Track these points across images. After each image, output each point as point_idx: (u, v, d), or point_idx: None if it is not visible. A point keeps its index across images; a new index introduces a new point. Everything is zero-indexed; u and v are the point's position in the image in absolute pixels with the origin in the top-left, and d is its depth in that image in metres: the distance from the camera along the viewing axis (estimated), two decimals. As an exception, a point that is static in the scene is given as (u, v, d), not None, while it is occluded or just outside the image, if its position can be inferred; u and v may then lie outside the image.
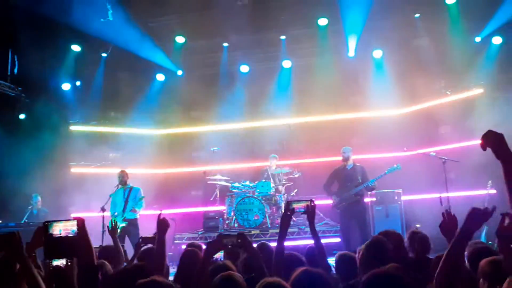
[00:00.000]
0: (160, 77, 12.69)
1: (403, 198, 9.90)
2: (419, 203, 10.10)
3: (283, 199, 10.57)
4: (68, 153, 11.26)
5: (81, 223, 2.95)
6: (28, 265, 2.83)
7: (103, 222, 8.18)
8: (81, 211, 10.37)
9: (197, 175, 11.31)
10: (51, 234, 2.87)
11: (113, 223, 5.21)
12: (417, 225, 8.26)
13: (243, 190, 10.64)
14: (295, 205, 3.76)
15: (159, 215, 3.60)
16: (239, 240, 3.39)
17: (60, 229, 2.89)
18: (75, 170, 11.53)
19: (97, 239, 7.92)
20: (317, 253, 3.79)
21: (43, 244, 3.01)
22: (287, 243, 3.74)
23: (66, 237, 2.87)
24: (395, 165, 8.74)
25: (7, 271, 2.99)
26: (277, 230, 4.06)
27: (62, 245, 2.86)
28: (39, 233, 3.10)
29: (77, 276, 2.90)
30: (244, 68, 12.54)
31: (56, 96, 11.55)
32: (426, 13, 10.90)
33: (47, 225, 2.89)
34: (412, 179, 10.04)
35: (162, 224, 3.56)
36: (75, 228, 2.90)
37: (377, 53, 11.75)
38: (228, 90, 12.28)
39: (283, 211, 4.03)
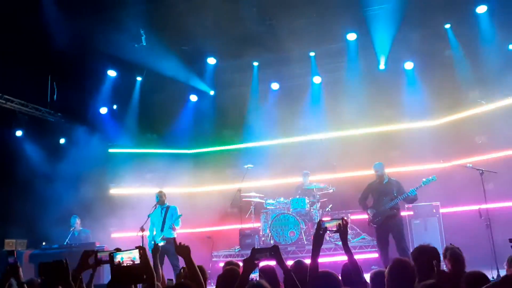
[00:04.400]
0: (193, 97, 12.97)
1: (442, 210, 9.73)
2: (458, 215, 9.91)
3: (318, 214, 10.54)
4: (107, 175, 11.60)
5: (142, 252, 3.13)
6: None
7: (142, 242, 8.32)
8: (120, 231, 10.67)
9: (232, 192, 11.41)
10: (118, 263, 3.07)
11: (154, 243, 5.34)
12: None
13: (278, 206, 10.66)
14: (327, 225, 3.74)
15: (174, 241, 3.71)
16: (272, 253, 3.44)
17: (123, 257, 3.09)
18: (114, 191, 11.86)
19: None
20: (352, 270, 3.79)
21: (89, 267, 3.19)
22: (324, 259, 3.77)
23: (130, 266, 3.06)
24: (430, 177, 8.59)
25: None
26: (313, 247, 4.07)
27: (126, 273, 3.05)
28: (86, 257, 3.27)
29: None
30: (275, 86, 12.68)
31: (94, 120, 11.96)
32: (457, 23, 10.80)
33: (112, 255, 3.09)
34: (450, 191, 9.87)
35: (182, 250, 3.69)
36: (137, 256, 3.09)
37: (409, 65, 11.69)
38: (259, 108, 12.42)
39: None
